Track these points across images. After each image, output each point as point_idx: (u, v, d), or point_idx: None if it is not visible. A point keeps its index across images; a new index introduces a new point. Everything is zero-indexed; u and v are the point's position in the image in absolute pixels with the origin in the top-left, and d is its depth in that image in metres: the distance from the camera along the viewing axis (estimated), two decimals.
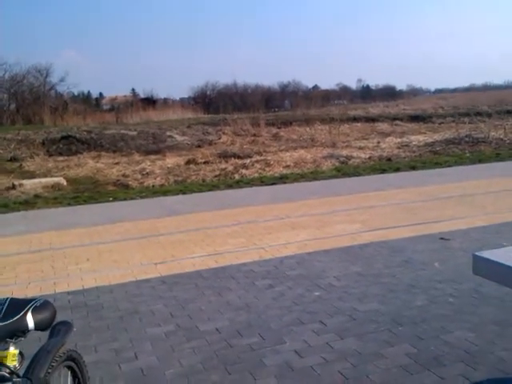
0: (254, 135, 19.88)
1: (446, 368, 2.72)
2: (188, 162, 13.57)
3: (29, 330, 1.72)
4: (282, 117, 26.87)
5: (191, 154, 15.13)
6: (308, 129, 22.08)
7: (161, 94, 54.76)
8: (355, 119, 24.92)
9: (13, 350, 1.67)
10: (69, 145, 17.68)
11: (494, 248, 2.49)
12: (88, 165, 14.28)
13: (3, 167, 14.12)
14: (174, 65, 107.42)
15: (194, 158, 14.09)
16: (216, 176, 11.43)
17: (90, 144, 17.85)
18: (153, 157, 15.37)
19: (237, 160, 13.32)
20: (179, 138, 19.57)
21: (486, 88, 66.78)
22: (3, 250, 5.78)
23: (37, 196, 9.59)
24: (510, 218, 5.79)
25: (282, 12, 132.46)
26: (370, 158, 13.12)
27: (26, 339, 1.71)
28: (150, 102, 40.59)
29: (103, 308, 3.90)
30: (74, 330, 2.15)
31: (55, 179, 11.35)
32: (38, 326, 1.75)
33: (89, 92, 49.40)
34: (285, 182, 9.93)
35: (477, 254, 2.29)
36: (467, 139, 15.10)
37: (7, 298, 1.76)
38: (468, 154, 12.56)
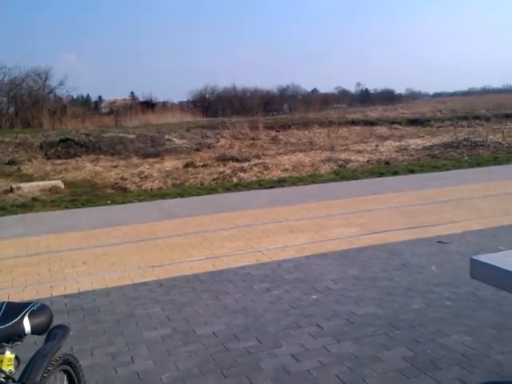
0: (253, 139, 19.89)
1: (442, 371, 2.72)
2: (186, 166, 13.57)
3: (25, 334, 1.72)
4: (280, 120, 26.92)
5: (190, 158, 15.13)
6: (306, 132, 22.10)
7: (160, 97, 54.72)
8: (354, 123, 24.96)
9: (9, 355, 1.66)
10: (67, 148, 17.67)
11: (490, 252, 2.50)
12: (86, 168, 14.27)
13: (1, 170, 14.12)
14: (173, 68, 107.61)
15: (193, 161, 14.09)
16: (214, 179, 11.43)
17: (89, 147, 17.84)
18: (151, 160, 15.37)
19: (235, 163, 13.32)
20: (178, 141, 19.57)
21: (485, 92, 66.96)
22: (0, 253, 5.77)
23: (34, 199, 9.58)
24: (507, 222, 5.80)
25: (282, 13, 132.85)
26: (368, 161, 13.13)
27: (22, 343, 1.71)
28: (148, 105, 40.59)
29: (100, 311, 3.90)
30: (71, 333, 2.14)
31: (53, 182, 11.34)
32: (35, 330, 1.75)
33: (88, 95, 49.51)
34: (283, 186, 9.93)
35: (474, 257, 2.30)
36: (465, 143, 15.12)
37: (4, 302, 1.76)
38: (466, 158, 12.57)
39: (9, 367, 1.65)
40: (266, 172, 11.91)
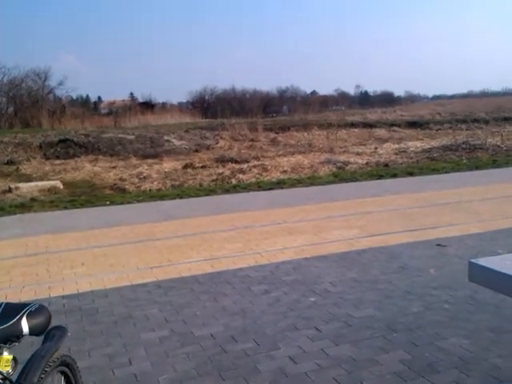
0: (252, 140, 19.89)
1: (440, 375, 2.72)
2: (185, 167, 13.57)
3: (23, 335, 1.71)
4: (279, 122, 26.92)
5: (188, 159, 15.13)
6: (306, 134, 22.11)
7: (159, 98, 54.82)
8: (353, 125, 24.97)
9: (6, 356, 1.66)
10: (66, 148, 17.66)
11: (489, 255, 2.50)
12: (85, 168, 14.27)
13: (0, 170, 14.10)
14: (172, 68, 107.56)
15: (192, 162, 14.09)
16: (213, 181, 11.43)
17: (88, 148, 17.83)
18: (150, 161, 15.36)
19: (234, 165, 13.32)
20: (177, 142, 19.57)
21: (484, 95, 67.02)
22: None
23: (33, 199, 9.57)
24: (506, 225, 5.80)
25: (280, 14, 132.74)
26: (367, 163, 13.14)
27: (20, 344, 1.70)
28: (148, 106, 40.60)
29: (98, 312, 3.89)
30: (69, 334, 2.14)
31: (52, 182, 11.33)
32: (33, 331, 1.74)
33: (87, 96, 49.52)
34: (282, 187, 9.93)
35: (473, 261, 2.30)
36: (464, 146, 15.14)
37: (2, 303, 1.75)
38: (465, 161, 12.59)
39: (6, 368, 1.65)
40: (265, 174, 11.92)
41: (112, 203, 8.99)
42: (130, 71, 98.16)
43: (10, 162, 15.31)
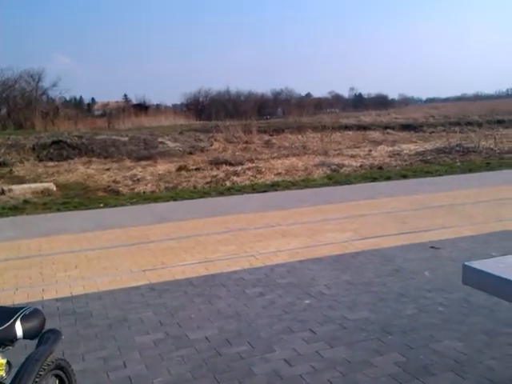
0: (246, 142, 19.90)
1: (434, 377, 2.73)
2: (179, 169, 13.55)
3: (17, 339, 1.71)
4: (274, 124, 26.98)
5: (183, 161, 15.11)
6: (300, 136, 22.15)
7: (153, 100, 54.61)
8: (347, 127, 25.06)
9: (0, 360, 1.65)
10: (59, 150, 17.58)
11: (482, 258, 2.51)
12: (78, 170, 14.21)
13: None
14: (166, 70, 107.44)
15: (186, 164, 14.08)
16: (207, 183, 11.42)
17: (81, 149, 17.76)
18: (144, 163, 15.32)
19: (228, 167, 13.32)
20: (171, 144, 19.54)
21: (477, 98, 67.50)
22: None
23: (26, 201, 9.52)
24: (498, 228, 5.83)
25: (276, 16, 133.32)
26: (361, 166, 13.17)
27: (14, 347, 1.69)
28: (142, 108, 40.56)
29: (92, 315, 3.88)
30: (63, 337, 2.13)
31: (45, 185, 11.27)
32: (27, 335, 1.73)
33: (81, 97, 49.44)
34: (276, 190, 9.94)
35: (466, 263, 2.31)
36: (458, 148, 15.22)
37: None
38: (458, 164, 12.65)
39: (0, 372, 1.64)
40: (259, 176, 11.92)
41: (105, 205, 8.96)
42: (125, 72, 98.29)
43: (2, 164, 15.22)
